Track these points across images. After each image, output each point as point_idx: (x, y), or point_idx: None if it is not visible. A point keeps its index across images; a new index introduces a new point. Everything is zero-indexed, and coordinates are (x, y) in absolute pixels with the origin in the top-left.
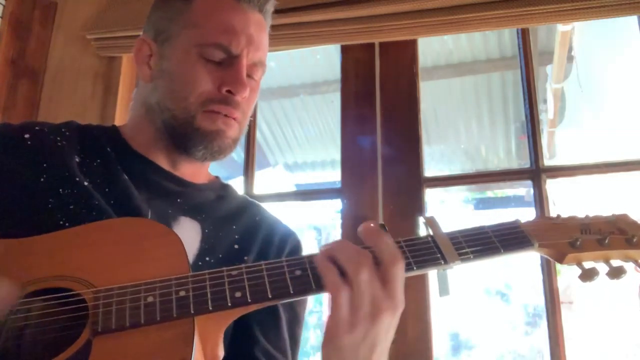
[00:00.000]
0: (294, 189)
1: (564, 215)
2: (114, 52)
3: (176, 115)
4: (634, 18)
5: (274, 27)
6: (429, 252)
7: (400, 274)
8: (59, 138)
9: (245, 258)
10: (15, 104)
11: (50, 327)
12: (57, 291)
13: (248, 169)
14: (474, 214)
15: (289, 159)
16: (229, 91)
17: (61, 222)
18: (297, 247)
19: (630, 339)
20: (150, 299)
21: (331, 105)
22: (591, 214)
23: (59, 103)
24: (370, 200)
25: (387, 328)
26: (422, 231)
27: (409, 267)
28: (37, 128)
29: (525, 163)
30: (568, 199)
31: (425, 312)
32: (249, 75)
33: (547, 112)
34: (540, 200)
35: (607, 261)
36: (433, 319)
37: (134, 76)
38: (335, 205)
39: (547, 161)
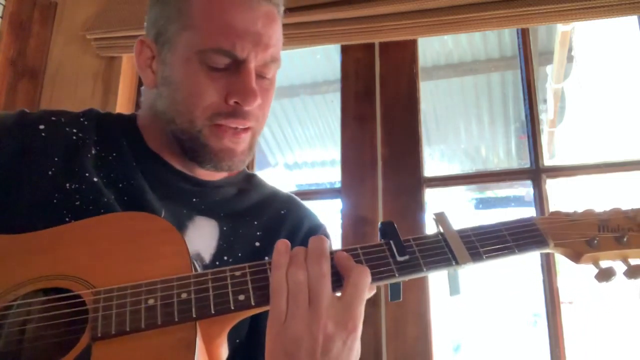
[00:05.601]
0: (295, 188)
1: (580, 210)
2: (114, 52)
3: (183, 129)
4: (634, 18)
5: None
6: (439, 252)
7: (358, 291)
8: (75, 130)
9: (267, 258)
10: (15, 104)
11: (49, 330)
12: (56, 291)
13: (248, 168)
14: (474, 214)
15: (289, 159)
16: (237, 102)
17: (67, 219)
18: None
19: (631, 339)
20: (151, 302)
21: (331, 105)
22: (609, 209)
23: (58, 103)
24: (370, 200)
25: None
26: (432, 228)
27: (418, 269)
28: (53, 119)
29: (525, 163)
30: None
31: (425, 312)
32: (260, 76)
33: (547, 112)
34: (540, 200)
35: (625, 260)
36: (433, 319)
37: (134, 76)
38: (335, 205)
39: (547, 161)
